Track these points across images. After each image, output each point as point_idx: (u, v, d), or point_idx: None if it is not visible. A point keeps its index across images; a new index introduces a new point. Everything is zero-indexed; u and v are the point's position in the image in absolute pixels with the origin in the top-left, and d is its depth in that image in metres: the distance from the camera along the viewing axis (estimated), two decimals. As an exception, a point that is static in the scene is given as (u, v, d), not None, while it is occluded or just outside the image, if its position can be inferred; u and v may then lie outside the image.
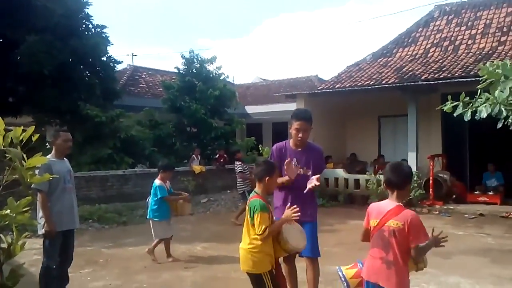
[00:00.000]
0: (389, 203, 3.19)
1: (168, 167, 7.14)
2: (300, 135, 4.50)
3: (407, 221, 3.05)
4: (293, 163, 4.46)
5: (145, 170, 13.34)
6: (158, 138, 15.64)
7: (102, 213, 10.18)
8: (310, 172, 4.59)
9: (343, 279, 3.43)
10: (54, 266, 4.89)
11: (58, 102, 12.47)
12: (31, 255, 7.02)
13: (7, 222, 3.24)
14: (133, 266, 6.41)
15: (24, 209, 3.34)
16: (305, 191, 4.33)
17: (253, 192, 3.87)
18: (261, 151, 16.60)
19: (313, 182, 4.27)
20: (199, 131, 16.99)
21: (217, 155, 15.73)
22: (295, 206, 3.89)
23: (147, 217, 6.96)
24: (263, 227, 3.59)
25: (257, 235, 3.61)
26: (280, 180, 4.41)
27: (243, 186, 10.14)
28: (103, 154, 12.82)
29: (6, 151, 3.27)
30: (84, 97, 13.49)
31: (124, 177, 12.59)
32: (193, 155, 14.77)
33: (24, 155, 3.44)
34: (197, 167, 14.20)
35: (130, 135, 13.70)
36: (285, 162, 4.37)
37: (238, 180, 10.31)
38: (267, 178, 3.78)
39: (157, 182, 6.87)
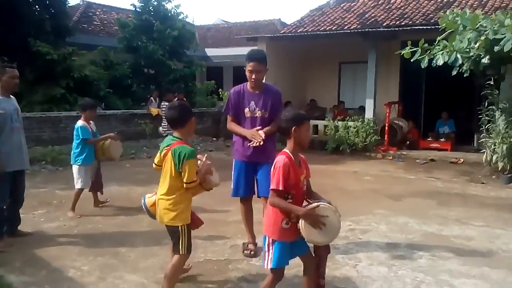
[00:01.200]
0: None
1: (90, 105, 6.34)
2: (253, 76, 4.49)
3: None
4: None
5: (100, 112, 12.93)
6: (114, 79, 15.05)
7: (55, 155, 9.89)
8: (267, 115, 4.59)
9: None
10: (4, 207, 4.76)
11: (4, 37, 11.70)
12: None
13: None
14: (88, 208, 6.31)
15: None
16: (249, 145, 4.43)
17: (171, 137, 3.55)
18: (221, 95, 16.41)
19: (256, 137, 4.37)
20: (157, 73, 16.51)
21: (176, 98, 15.40)
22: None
23: (71, 163, 6.30)
24: (194, 175, 3.42)
25: (188, 183, 3.38)
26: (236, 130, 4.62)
27: (168, 130, 9.72)
28: (55, 94, 12.31)
29: None
30: (34, 33, 12.70)
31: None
32: (151, 98, 14.43)
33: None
34: (154, 110, 13.89)
35: (83, 75, 13.16)
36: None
37: (163, 123, 9.66)
38: (187, 121, 3.53)
39: (79, 123, 6.20)
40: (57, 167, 9.47)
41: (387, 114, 12.17)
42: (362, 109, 13.14)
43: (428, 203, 6.88)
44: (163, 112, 9.63)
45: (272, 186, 3.09)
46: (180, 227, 3.47)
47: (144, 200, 3.78)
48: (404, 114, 13.25)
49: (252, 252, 4.65)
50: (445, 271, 4.23)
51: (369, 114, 12.42)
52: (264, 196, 4.61)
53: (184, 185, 3.40)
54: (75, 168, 6.18)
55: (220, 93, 16.39)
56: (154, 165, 3.68)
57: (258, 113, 4.61)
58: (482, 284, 3.96)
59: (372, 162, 10.97)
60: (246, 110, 4.60)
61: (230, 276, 4.10)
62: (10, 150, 4.70)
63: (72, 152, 6.22)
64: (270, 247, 3.11)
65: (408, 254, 4.66)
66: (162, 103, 9.87)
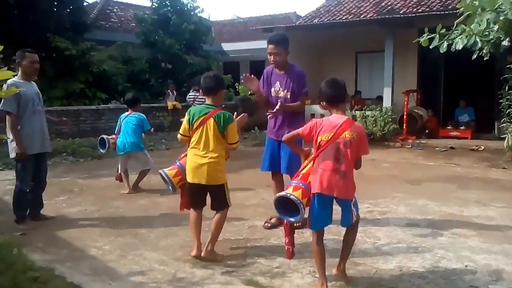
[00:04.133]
0: (339, 116, 3.33)
1: (138, 99, 7.03)
2: (272, 58, 4.70)
3: (359, 132, 3.31)
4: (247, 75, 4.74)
5: (119, 105, 13.11)
6: (132, 74, 15.26)
7: (76, 147, 10.06)
8: (289, 95, 4.68)
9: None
10: (28, 190, 4.86)
11: (25, 33, 11.92)
12: (4, 185, 6.98)
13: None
14: (109, 194, 6.43)
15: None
16: (268, 116, 4.72)
17: (204, 106, 3.92)
18: (238, 90, 16.45)
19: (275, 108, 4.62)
20: (174, 67, 16.63)
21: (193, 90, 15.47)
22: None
23: (128, 150, 6.64)
24: (237, 135, 3.88)
25: (233, 143, 3.90)
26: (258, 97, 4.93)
27: (199, 99, 9.98)
28: (75, 89, 12.52)
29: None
30: (53, 29, 12.91)
31: (97, 112, 12.36)
32: (168, 91, 14.55)
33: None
34: (170, 103, 14.00)
35: (102, 69, 13.36)
36: (242, 76, 4.72)
37: (191, 94, 10.02)
38: (220, 89, 3.99)
39: (140, 114, 6.73)
40: (77, 159, 9.62)
41: (405, 103, 12.04)
42: (379, 98, 13.03)
43: (447, 187, 6.80)
44: (190, 100, 9.92)
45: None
46: (224, 184, 3.93)
47: (165, 172, 3.91)
48: (422, 102, 13.08)
49: (268, 225, 4.80)
50: (466, 248, 4.19)
51: (387, 103, 12.31)
52: (284, 173, 4.78)
53: (229, 145, 3.90)
54: (141, 154, 6.78)
55: (237, 87, 16.43)
56: (180, 136, 4.00)
57: (281, 93, 4.76)
58: (504, 259, 3.90)
59: (390, 150, 10.87)
60: (272, 90, 4.79)
61: (248, 253, 4.12)
62: (31, 133, 4.80)
63: (131, 141, 6.65)
64: (354, 207, 3.39)
65: (428, 233, 4.62)
66: (191, 92, 10.13)
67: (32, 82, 4.96)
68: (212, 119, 3.82)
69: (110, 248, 4.27)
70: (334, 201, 3.35)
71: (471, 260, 3.88)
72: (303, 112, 4.92)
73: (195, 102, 10.12)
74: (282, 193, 3.31)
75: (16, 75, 4.67)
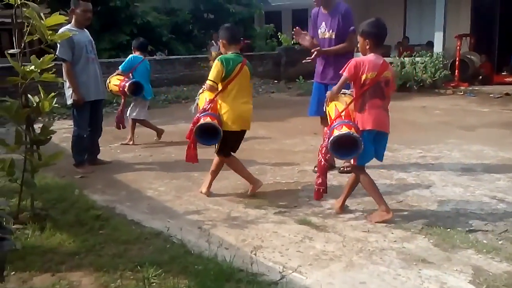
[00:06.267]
0: (378, 57, 3.45)
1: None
2: None
3: (393, 73, 3.55)
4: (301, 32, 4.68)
5: (164, 57, 13.20)
6: (175, 25, 15.21)
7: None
8: (334, 36, 4.53)
9: (358, 137, 3.34)
10: (85, 135, 5.04)
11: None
12: (61, 133, 7.22)
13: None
14: (161, 141, 6.58)
15: (48, 66, 3.37)
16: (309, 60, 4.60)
17: (234, 55, 3.97)
18: (280, 39, 16.15)
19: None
20: (216, 17, 16.42)
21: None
22: None
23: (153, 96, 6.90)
24: None
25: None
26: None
27: None
28: (121, 41, 12.63)
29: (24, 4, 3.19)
30: (96, -19, 12.95)
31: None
32: (212, 41, 14.45)
33: (42, 14, 3.38)
34: (214, 53, 13.91)
35: (146, 21, 13.37)
36: (295, 30, 4.66)
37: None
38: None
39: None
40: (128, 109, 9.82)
41: (458, 48, 11.47)
42: (430, 44, 12.47)
43: (503, 133, 6.54)
44: None
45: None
46: None
47: (204, 121, 3.86)
48: (476, 47, 12.42)
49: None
50: (526, 191, 4.06)
51: (438, 48, 11.77)
52: (316, 115, 4.75)
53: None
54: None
55: (280, 36, 16.13)
56: (212, 84, 3.92)
57: (327, 35, 4.59)
58: None
59: (441, 97, 10.50)
60: (319, 31, 4.62)
61: (300, 196, 4.16)
62: (86, 80, 4.92)
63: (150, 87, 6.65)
64: None
65: (484, 177, 4.49)
66: None
67: (85, 30, 5.03)
68: (246, 67, 3.97)
69: (166, 190, 4.41)
70: None
71: (532, 203, 3.76)
72: (352, 52, 4.70)
73: None
74: (343, 132, 3.30)
75: (68, 19, 4.74)
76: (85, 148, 5.16)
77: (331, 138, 3.33)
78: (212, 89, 3.95)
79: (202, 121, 3.87)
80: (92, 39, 5.10)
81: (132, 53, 6.62)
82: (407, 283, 2.59)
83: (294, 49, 14.65)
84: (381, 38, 3.48)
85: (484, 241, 3.07)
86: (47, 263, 2.85)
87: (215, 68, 3.90)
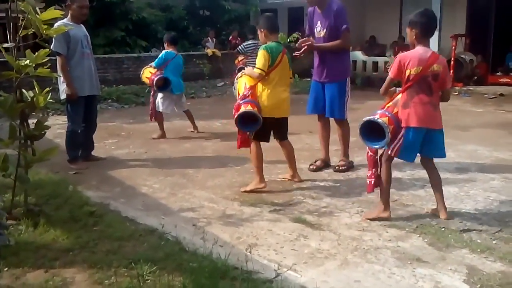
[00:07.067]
0: (426, 49, 3.32)
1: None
2: None
3: (444, 65, 3.37)
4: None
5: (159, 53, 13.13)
6: (170, 22, 15.18)
7: (120, 94, 10.23)
8: (327, 35, 4.54)
9: (384, 125, 3.33)
10: (79, 131, 5.01)
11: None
12: (54, 129, 7.18)
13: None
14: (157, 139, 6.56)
15: (43, 61, 3.34)
16: (297, 54, 4.59)
17: (276, 43, 4.08)
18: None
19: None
20: (212, 14, 16.40)
21: (230, 37, 15.25)
22: None
23: (183, 91, 6.86)
24: None
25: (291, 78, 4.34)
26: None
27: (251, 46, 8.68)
28: (116, 37, 12.60)
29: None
30: (92, -24, 12.87)
31: (139, 59, 12.41)
32: (208, 38, 14.42)
33: (37, 9, 3.35)
34: (210, 50, 13.90)
35: (141, 17, 13.36)
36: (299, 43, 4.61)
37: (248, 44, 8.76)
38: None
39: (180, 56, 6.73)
40: (122, 105, 9.82)
41: (453, 48, 11.50)
42: (425, 44, 12.49)
43: (498, 133, 6.57)
44: (250, 49, 8.73)
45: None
46: None
47: (245, 109, 3.95)
48: (471, 47, 12.45)
49: (313, 167, 4.79)
50: (520, 191, 4.07)
51: (433, 47, 11.52)
52: (329, 117, 4.71)
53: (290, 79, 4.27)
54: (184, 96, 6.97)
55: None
56: (261, 72, 4.01)
57: (322, 33, 4.58)
58: (561, 203, 3.78)
59: (436, 97, 10.52)
60: (315, 30, 4.63)
61: (295, 194, 4.15)
62: (81, 75, 4.90)
63: (182, 82, 6.76)
64: None
65: (479, 177, 4.51)
66: (250, 41, 8.82)
67: (81, 25, 5.02)
68: (286, 56, 4.09)
69: (160, 187, 4.39)
70: None
71: (526, 204, 3.78)
72: (347, 49, 4.69)
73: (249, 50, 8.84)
74: (370, 117, 3.31)
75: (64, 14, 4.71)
76: (80, 143, 5.13)
77: (361, 122, 3.39)
78: (260, 77, 4.03)
79: (242, 108, 3.96)
80: (88, 34, 5.08)
81: (164, 48, 6.76)
82: (401, 282, 2.59)
83: (290, 47, 14.63)
84: (429, 28, 3.38)
85: (478, 241, 3.08)
86: (41, 259, 2.82)
87: (262, 57, 3.99)
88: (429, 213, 3.59)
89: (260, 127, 3.99)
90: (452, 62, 11.45)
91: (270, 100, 4.04)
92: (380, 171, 3.49)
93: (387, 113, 3.39)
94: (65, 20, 4.79)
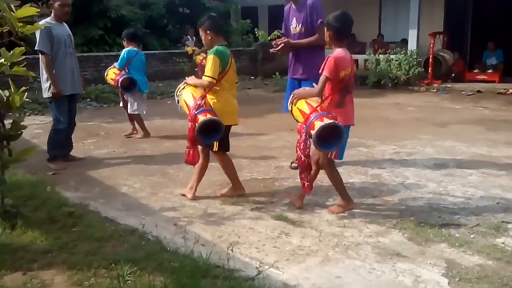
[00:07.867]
0: (346, 51, 3.45)
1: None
2: None
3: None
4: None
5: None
6: (150, 19, 14.96)
7: (98, 93, 10.08)
8: (303, 31, 4.55)
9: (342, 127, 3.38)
10: (63, 129, 4.96)
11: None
12: (32, 129, 7.06)
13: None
14: (134, 137, 6.49)
15: (19, 60, 3.26)
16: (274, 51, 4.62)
17: (224, 47, 3.81)
18: (257, 35, 16.10)
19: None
20: (192, 12, 16.25)
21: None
22: None
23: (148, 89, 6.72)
24: None
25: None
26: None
27: None
28: (94, 35, 12.40)
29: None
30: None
31: (117, 58, 12.24)
32: (188, 36, 14.32)
33: (12, 6, 3.27)
34: (190, 48, 13.79)
35: (120, 14, 13.12)
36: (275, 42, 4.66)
37: None
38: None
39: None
40: (101, 104, 9.70)
41: (431, 45, 11.66)
42: (404, 42, 12.63)
43: (475, 129, 6.69)
44: None
45: None
46: None
47: (207, 118, 3.67)
48: (449, 45, 12.64)
49: (295, 165, 4.77)
50: (497, 186, 4.15)
51: (412, 45, 11.94)
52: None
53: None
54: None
55: (256, 32, 16.08)
56: (210, 79, 3.69)
57: (298, 29, 4.60)
58: (536, 197, 3.87)
59: (415, 94, 10.68)
60: (291, 27, 4.60)
61: (276, 191, 4.16)
62: (64, 74, 4.88)
63: (146, 80, 6.53)
64: None
65: (457, 172, 4.58)
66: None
67: (64, 24, 4.99)
68: (233, 60, 3.89)
69: (141, 186, 4.35)
70: None
71: (502, 198, 3.85)
72: (322, 45, 4.55)
73: None
74: (329, 121, 3.27)
75: (39, 11, 4.65)
76: (62, 142, 5.08)
77: (317, 129, 3.22)
78: (211, 85, 3.72)
79: (202, 118, 3.63)
80: (71, 33, 5.03)
81: (124, 47, 6.52)
82: (382, 277, 2.62)
83: (270, 45, 14.60)
84: (343, 33, 3.46)
85: (457, 235, 3.13)
86: (18, 262, 2.77)
87: (213, 63, 3.67)
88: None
89: (225, 135, 3.83)
90: (430, 60, 11.63)
91: (226, 107, 3.81)
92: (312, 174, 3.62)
93: (330, 114, 3.37)
94: (48, 19, 4.80)
